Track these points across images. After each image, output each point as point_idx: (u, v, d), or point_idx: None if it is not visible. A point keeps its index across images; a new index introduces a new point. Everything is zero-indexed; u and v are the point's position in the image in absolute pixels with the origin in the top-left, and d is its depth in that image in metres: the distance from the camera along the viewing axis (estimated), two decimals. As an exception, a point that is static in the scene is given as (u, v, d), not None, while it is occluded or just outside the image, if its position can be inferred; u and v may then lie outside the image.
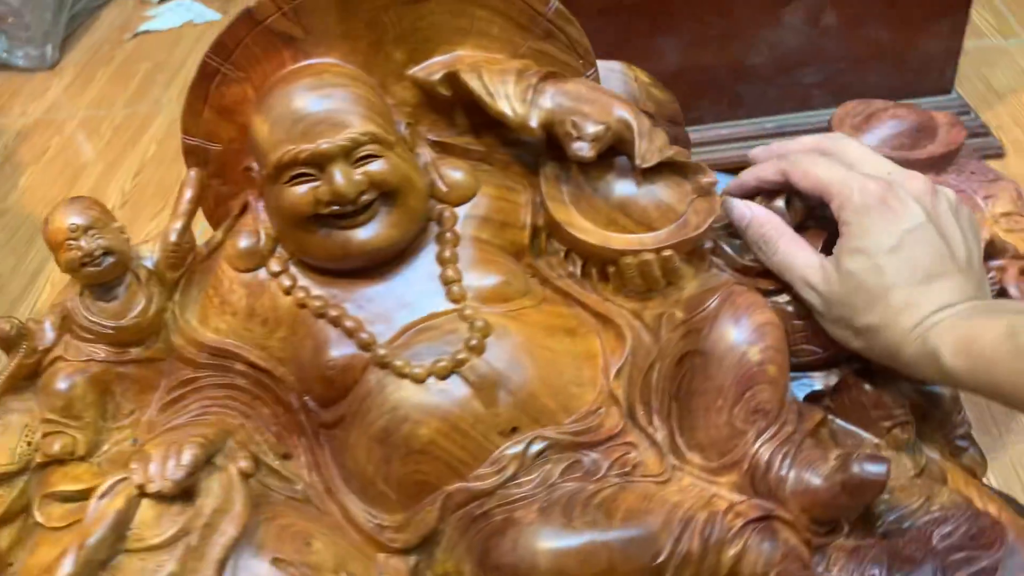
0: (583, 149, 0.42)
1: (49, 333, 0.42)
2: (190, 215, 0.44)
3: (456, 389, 0.42)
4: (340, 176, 0.40)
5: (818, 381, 0.48)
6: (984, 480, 0.49)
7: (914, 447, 0.47)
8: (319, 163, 0.40)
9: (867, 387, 0.46)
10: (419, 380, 0.42)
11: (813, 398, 0.48)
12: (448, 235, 0.44)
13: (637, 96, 0.56)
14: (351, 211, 0.41)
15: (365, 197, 0.41)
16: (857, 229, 0.42)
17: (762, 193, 0.48)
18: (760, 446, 0.42)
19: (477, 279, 0.44)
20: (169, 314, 0.44)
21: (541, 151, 0.46)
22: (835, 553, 0.42)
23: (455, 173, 0.45)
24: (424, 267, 0.44)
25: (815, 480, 0.41)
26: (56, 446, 0.41)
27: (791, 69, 0.70)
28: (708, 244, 0.46)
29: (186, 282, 0.44)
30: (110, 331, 0.42)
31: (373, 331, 0.43)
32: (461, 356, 0.42)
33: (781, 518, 0.41)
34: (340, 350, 0.43)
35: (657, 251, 0.44)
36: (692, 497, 0.41)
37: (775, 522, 0.41)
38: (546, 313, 0.45)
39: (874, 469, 0.40)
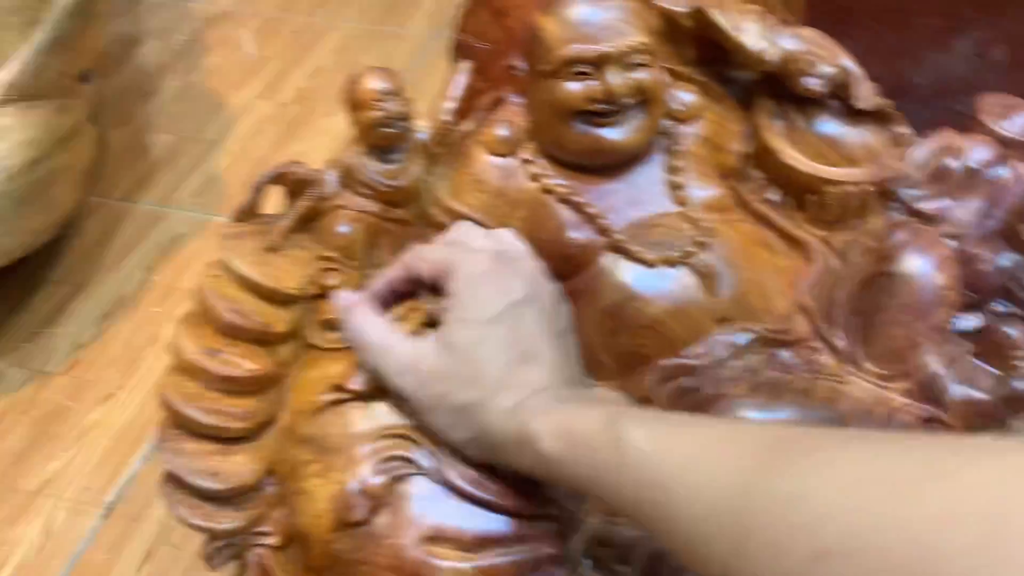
0: (817, 85, 0.49)
1: (333, 183, 0.48)
2: (461, 101, 0.49)
3: (684, 277, 0.48)
4: (615, 77, 0.46)
5: (965, 321, 0.54)
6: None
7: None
8: (599, 63, 0.46)
9: (1009, 331, 0.53)
10: (651, 265, 0.48)
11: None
12: (676, 148, 0.51)
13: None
14: (611, 111, 0.47)
15: (627, 100, 0.47)
16: (463, 299, 0.41)
17: (400, 296, 0.45)
18: (931, 359, 0.48)
19: (699, 189, 0.50)
20: (425, 185, 0.50)
21: (748, 89, 0.53)
22: None
23: (686, 95, 0.51)
24: (653, 173, 0.50)
25: (977, 393, 0.48)
26: (332, 280, 0.46)
27: (950, 95, 0.76)
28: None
29: (446, 160, 0.50)
30: (387, 189, 0.48)
31: (611, 220, 0.49)
32: (689, 249, 0.48)
33: (945, 423, 0.48)
34: (578, 232, 0.49)
35: (858, 184, 0.51)
36: (869, 396, 0.48)
37: (938, 425, 0.47)
38: (751, 228, 0.51)
39: (1033, 384, 0.47)
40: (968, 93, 0.70)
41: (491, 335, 0.40)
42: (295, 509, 0.42)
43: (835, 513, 0.26)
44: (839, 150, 0.51)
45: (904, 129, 0.52)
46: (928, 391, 0.48)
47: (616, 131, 0.48)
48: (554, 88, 0.47)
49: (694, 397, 0.47)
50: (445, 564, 0.39)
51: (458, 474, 0.40)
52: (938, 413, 0.47)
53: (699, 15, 0.50)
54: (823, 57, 0.49)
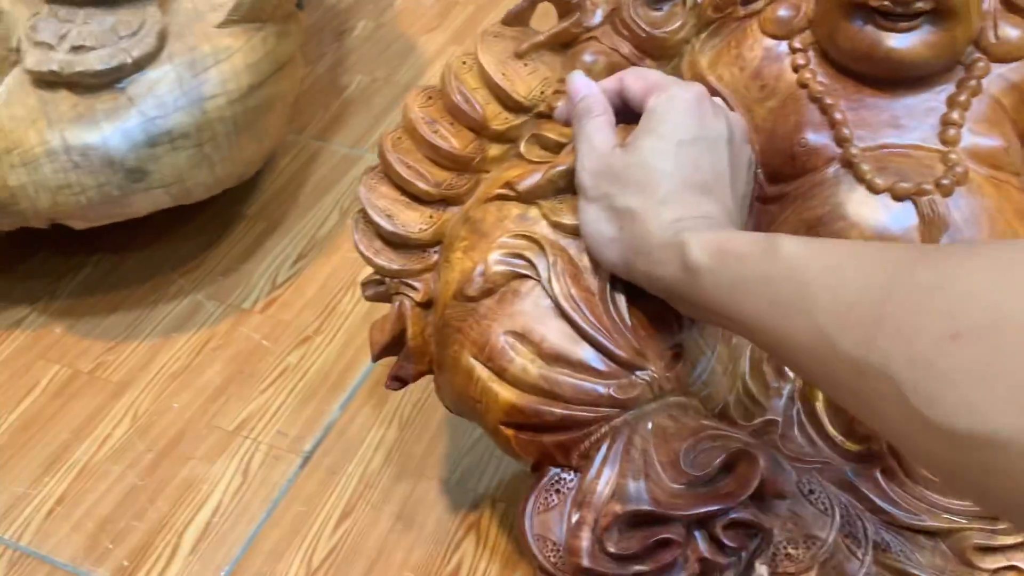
0: None
1: (598, 17, 0.49)
2: (753, -29, 0.47)
3: (904, 213, 0.42)
4: (910, -27, 0.41)
5: None
6: None
7: None
8: (897, -46, 0.42)
9: None
10: (875, 190, 0.43)
11: None
12: (972, 83, 0.44)
13: None
14: (899, 12, 0.42)
15: (919, 5, 0.42)
16: (661, 114, 0.42)
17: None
18: None
19: (978, 134, 0.44)
20: (689, 46, 0.49)
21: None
22: None
23: (1011, 30, 0.44)
24: (931, 102, 0.45)
25: None
26: (560, 102, 0.49)
27: None
28: None
29: (715, 29, 0.49)
30: (643, 34, 0.48)
31: (855, 133, 0.45)
32: (926, 187, 0.42)
33: None
34: (816, 135, 0.45)
35: None
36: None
37: None
38: (1021, 198, 0.43)
39: None
40: None
41: (676, 153, 0.41)
42: (440, 275, 0.46)
43: (975, 294, 0.26)
44: None
45: None
46: None
47: (899, 38, 0.43)
48: (844, -26, 0.44)
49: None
50: (517, 359, 0.41)
51: (563, 292, 0.41)
52: None
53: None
54: None
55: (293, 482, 0.58)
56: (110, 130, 0.59)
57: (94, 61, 0.59)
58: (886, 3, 0.42)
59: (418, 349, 0.47)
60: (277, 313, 0.69)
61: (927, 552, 0.40)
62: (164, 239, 0.74)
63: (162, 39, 0.62)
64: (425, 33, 0.97)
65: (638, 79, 0.45)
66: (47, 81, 0.60)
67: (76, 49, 0.60)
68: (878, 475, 0.41)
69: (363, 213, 0.48)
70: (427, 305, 0.47)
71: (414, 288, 0.47)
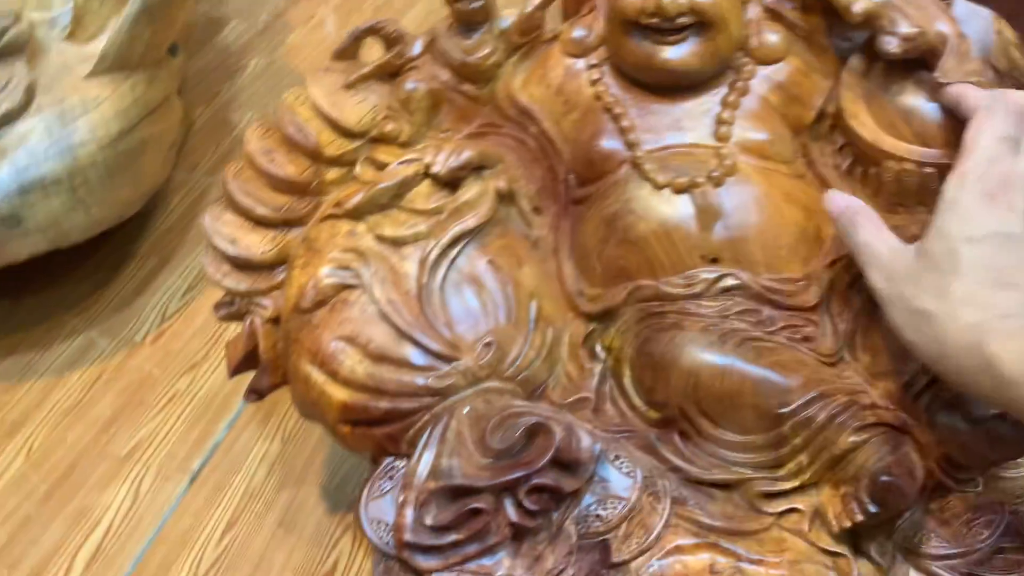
0: (891, 44, 0.45)
1: (417, 47, 0.54)
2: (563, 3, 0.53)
3: (683, 205, 0.48)
4: (669, -7, 0.47)
5: None
6: None
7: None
8: (656, -23, 0.47)
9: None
10: (657, 186, 0.48)
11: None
12: (740, 84, 0.50)
13: (991, 48, 0.55)
14: (666, 28, 0.48)
15: (682, 19, 0.47)
16: (950, 205, 0.40)
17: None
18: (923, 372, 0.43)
19: (747, 130, 0.49)
20: (502, 70, 0.54)
21: (857, 49, 0.49)
22: (955, 499, 0.43)
23: (771, 35, 0.50)
24: (707, 104, 0.50)
25: (961, 421, 0.42)
26: (388, 127, 0.53)
27: None
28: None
29: (524, 52, 0.54)
30: (457, 62, 0.53)
31: (642, 137, 0.50)
32: (699, 180, 0.48)
33: (915, 437, 0.43)
34: (609, 142, 0.50)
35: (920, 165, 0.46)
36: (843, 383, 0.44)
37: (906, 436, 0.43)
38: (795, 185, 0.49)
39: (1017, 432, 0.40)
40: None
41: (965, 254, 0.39)
42: (283, 292, 0.51)
43: None
44: (913, 125, 0.46)
45: (1006, 120, 0.45)
46: (911, 403, 0.43)
47: (671, 50, 0.49)
48: (617, -3, 0.49)
49: (656, 322, 0.47)
50: (346, 362, 0.45)
51: (383, 296, 0.46)
52: (910, 424, 0.43)
53: (803, -46, 0.48)
54: (910, 17, 0.45)
55: (181, 499, 0.62)
56: None
57: None
58: (654, 20, 0.48)
59: (271, 362, 0.51)
60: (167, 344, 0.73)
61: (719, 502, 0.45)
62: (58, 282, 0.78)
63: (30, 93, 0.66)
64: (316, 68, 1.00)
65: (970, 114, 0.42)
66: (-82, 135, 0.63)
67: (-55, 107, 0.63)
68: (676, 438, 0.46)
69: (208, 240, 0.52)
70: (277, 321, 0.51)
71: (263, 306, 0.52)
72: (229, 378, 0.53)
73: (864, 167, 0.48)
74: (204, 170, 0.89)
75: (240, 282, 0.52)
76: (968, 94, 0.44)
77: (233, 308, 0.53)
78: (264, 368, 0.52)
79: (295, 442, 0.64)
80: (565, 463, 0.43)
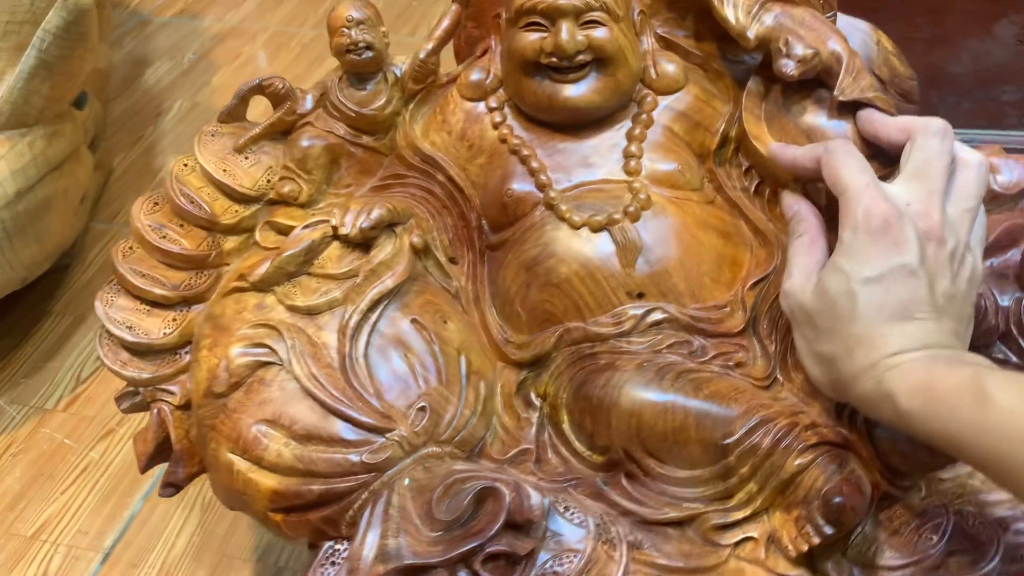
0: (788, 67, 0.46)
1: (308, 103, 0.52)
2: (441, 41, 0.51)
3: (603, 243, 0.47)
4: (565, 32, 0.46)
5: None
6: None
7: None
8: (552, 16, 0.46)
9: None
10: (574, 226, 0.47)
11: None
12: (643, 116, 0.49)
13: (874, 58, 0.57)
14: (566, 67, 0.47)
15: (581, 57, 0.47)
16: (847, 247, 0.41)
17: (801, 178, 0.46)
18: (861, 383, 0.44)
19: (655, 161, 0.49)
20: (400, 118, 0.52)
21: (753, 71, 0.50)
22: (901, 507, 0.44)
23: (668, 65, 0.50)
24: (613, 138, 0.50)
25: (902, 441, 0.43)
26: (286, 188, 0.51)
27: (991, 84, 0.67)
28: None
29: (421, 98, 0.52)
30: (352, 114, 0.51)
31: (552, 177, 0.49)
32: (616, 217, 0.47)
33: (857, 452, 0.43)
34: (520, 184, 0.49)
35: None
36: (781, 405, 0.44)
37: (849, 452, 0.43)
38: (708, 212, 0.49)
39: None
40: (1010, 81, 0.60)
41: (861, 294, 0.40)
42: (191, 375, 0.47)
43: None
44: (814, 141, 0.47)
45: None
46: (848, 419, 0.44)
47: (572, 88, 0.48)
48: (514, 37, 0.48)
49: (589, 364, 0.46)
50: (271, 446, 0.42)
51: (304, 371, 0.43)
52: (851, 439, 0.43)
53: (692, -18, 0.49)
54: (804, 38, 0.46)
55: None
56: None
57: None
58: (553, 60, 0.47)
59: (186, 451, 0.48)
60: (81, 409, 0.70)
61: (675, 541, 0.44)
62: None
63: None
64: (201, 134, 0.97)
65: (830, 173, 0.43)
66: None
67: None
68: (623, 480, 0.45)
69: (103, 328, 0.48)
70: (187, 407, 0.48)
71: (170, 392, 0.48)
72: (141, 472, 0.49)
73: (771, 187, 0.49)
74: (124, 219, 0.85)
75: (142, 371, 0.48)
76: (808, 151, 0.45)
77: (137, 399, 0.49)
78: (178, 459, 0.48)
79: (214, 511, 0.61)
80: (517, 524, 0.41)
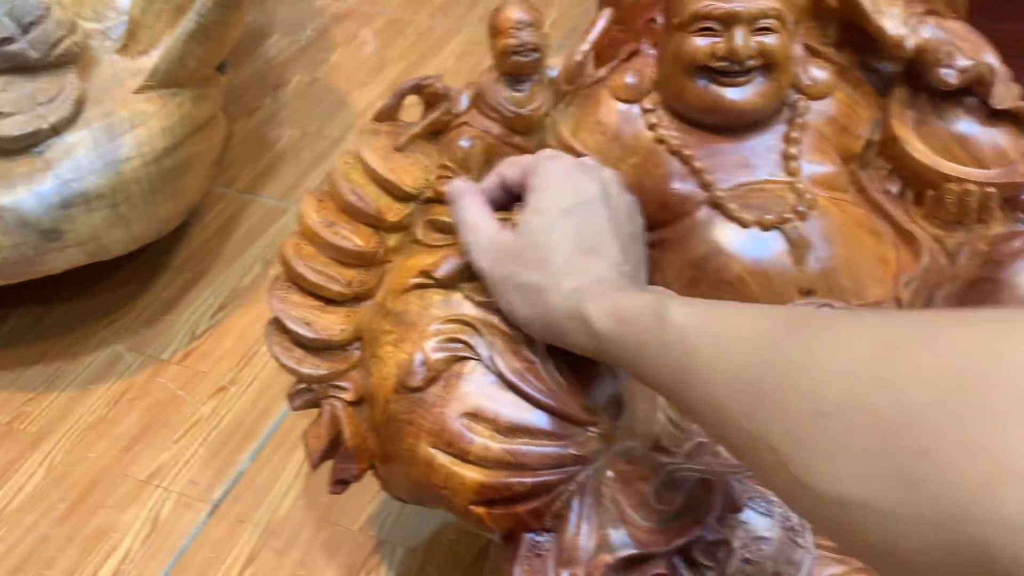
0: (950, 76, 0.48)
1: (463, 103, 0.52)
2: (595, 44, 0.53)
3: (774, 242, 0.49)
4: (740, 37, 0.48)
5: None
6: None
7: None
8: (727, 22, 0.48)
9: None
10: (745, 225, 0.49)
11: None
12: (798, 120, 0.51)
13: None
14: (735, 71, 0.49)
15: (751, 62, 0.49)
16: (540, 191, 0.45)
17: (498, 207, 0.48)
18: None
19: (812, 164, 0.51)
20: (550, 119, 0.53)
21: (890, 80, 0.53)
22: None
23: (819, 72, 0.52)
24: (769, 141, 0.52)
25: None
26: (444, 187, 0.51)
27: None
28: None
29: (571, 98, 0.54)
30: (510, 115, 0.52)
31: (716, 177, 0.51)
32: (787, 216, 0.49)
33: None
34: (682, 184, 0.51)
35: (981, 185, 0.49)
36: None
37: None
38: (860, 213, 0.51)
39: None
40: None
41: (560, 224, 0.44)
42: (370, 371, 0.47)
43: (833, 377, 0.29)
44: (968, 148, 0.50)
45: (1048, 138, 0.50)
46: None
47: (737, 91, 0.50)
48: (682, 41, 0.50)
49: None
50: (477, 440, 0.43)
51: (507, 366, 0.44)
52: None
53: (846, -6, 0.51)
54: (963, 50, 0.49)
55: (201, 529, 0.60)
56: (25, 193, 0.61)
57: (11, 127, 0.61)
58: (723, 64, 0.49)
59: (358, 448, 0.48)
60: (195, 364, 0.71)
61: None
62: (90, 291, 0.76)
63: (79, 105, 0.64)
64: (357, 88, 1.01)
65: (513, 167, 0.48)
66: (-33, 146, 0.61)
67: (-6, 116, 0.61)
68: (800, 470, 0.47)
69: (277, 324, 0.48)
70: (358, 403, 0.48)
71: (343, 388, 0.48)
72: (313, 469, 0.48)
73: (918, 190, 0.51)
74: (241, 186, 0.87)
75: (318, 367, 0.48)
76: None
77: (310, 395, 0.48)
78: (350, 455, 0.48)
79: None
80: (724, 514, 0.42)
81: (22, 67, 0.63)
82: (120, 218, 0.65)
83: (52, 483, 0.63)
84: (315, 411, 0.49)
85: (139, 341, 0.73)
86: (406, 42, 1.07)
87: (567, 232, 0.44)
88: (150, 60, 0.67)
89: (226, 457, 0.64)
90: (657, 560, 0.41)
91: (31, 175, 0.62)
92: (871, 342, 0.29)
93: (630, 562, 0.41)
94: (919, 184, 0.51)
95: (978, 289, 0.49)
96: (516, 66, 0.51)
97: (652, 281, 0.52)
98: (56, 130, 0.63)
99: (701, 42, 0.49)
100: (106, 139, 0.64)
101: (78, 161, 0.63)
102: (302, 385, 0.49)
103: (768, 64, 0.49)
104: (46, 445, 0.65)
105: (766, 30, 0.48)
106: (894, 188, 0.52)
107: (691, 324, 0.36)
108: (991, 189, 0.49)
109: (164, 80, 0.67)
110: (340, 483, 0.49)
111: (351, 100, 0.99)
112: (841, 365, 0.29)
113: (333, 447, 0.48)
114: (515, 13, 0.50)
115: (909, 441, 0.26)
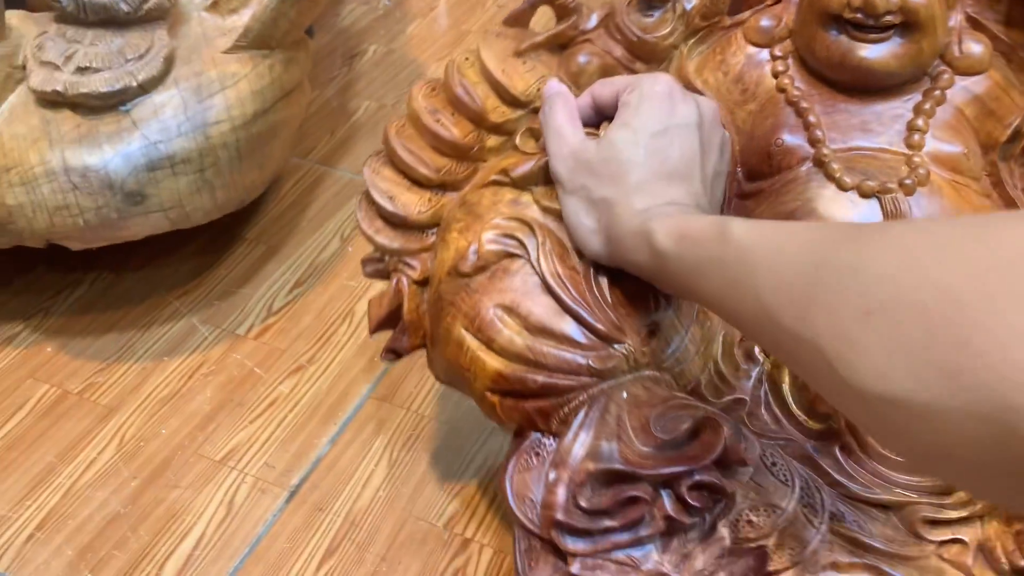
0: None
1: (593, 21, 0.53)
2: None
3: (870, 210, 0.46)
4: (880, -11, 0.45)
5: None
6: None
7: None
8: (868, -30, 0.45)
9: None
10: (843, 188, 0.46)
11: None
12: (936, 93, 0.47)
13: None
14: (870, 24, 0.46)
15: (888, 18, 0.45)
16: (633, 109, 0.44)
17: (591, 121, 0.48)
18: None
19: (940, 140, 0.47)
20: (678, 51, 0.52)
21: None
22: None
23: (975, 45, 0.47)
24: (899, 109, 0.48)
25: None
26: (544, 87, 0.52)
27: None
28: None
29: (702, 36, 0.52)
30: (634, 38, 0.51)
31: (828, 135, 0.48)
32: (890, 186, 0.45)
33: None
34: (791, 137, 0.49)
35: None
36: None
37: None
38: (984, 204, 0.47)
39: None
40: None
41: (646, 144, 0.43)
42: (436, 254, 0.50)
43: (884, 277, 0.29)
44: None
45: None
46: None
47: (870, 48, 0.47)
48: (821, -12, 0.47)
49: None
50: (505, 331, 0.44)
51: (550, 270, 0.44)
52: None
53: (1025, -36, 0.46)
54: None
55: (278, 517, 0.57)
56: (111, 153, 0.59)
57: (99, 83, 0.59)
58: (858, 16, 0.46)
59: (413, 323, 0.50)
60: (272, 340, 0.68)
61: (879, 523, 0.43)
62: (163, 259, 0.74)
63: (169, 63, 0.61)
64: (436, 60, 0.97)
65: (606, 86, 0.48)
66: (51, 101, 0.60)
67: (82, 70, 0.59)
68: (837, 451, 0.44)
69: (366, 194, 0.51)
70: (423, 283, 0.50)
71: (411, 266, 0.50)
72: (371, 334, 0.52)
73: (1063, 192, 0.46)
74: (317, 157, 0.84)
75: (393, 240, 0.51)
76: None
77: (381, 265, 0.52)
78: (404, 328, 0.51)
79: (403, 467, 0.60)
80: (727, 463, 0.41)
81: (111, 21, 0.61)
82: (206, 184, 0.62)
83: (123, 459, 0.60)
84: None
85: (214, 314, 0.70)
86: (486, 15, 1.03)
87: (650, 153, 0.43)
88: (241, 19, 0.65)
89: (304, 441, 0.61)
90: (640, 483, 0.40)
91: (118, 134, 0.59)
92: (924, 242, 0.29)
93: (613, 477, 0.40)
94: (1064, 185, 0.46)
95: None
96: (654, -11, 0.51)
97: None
98: (145, 88, 0.60)
99: (839, -10, 0.46)
100: (195, 100, 0.61)
101: (166, 122, 0.60)
102: (376, 254, 0.52)
103: (909, 23, 0.46)
104: (118, 418, 0.63)
105: (912, -15, 0.45)
106: (1039, 187, 0.47)
107: (751, 239, 0.36)
108: None
109: (256, 41, 0.64)
110: (391, 352, 0.51)
111: (430, 72, 0.94)
112: (892, 265, 0.29)
113: (392, 318, 0.51)
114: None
115: (955, 333, 0.26)
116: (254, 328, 0.69)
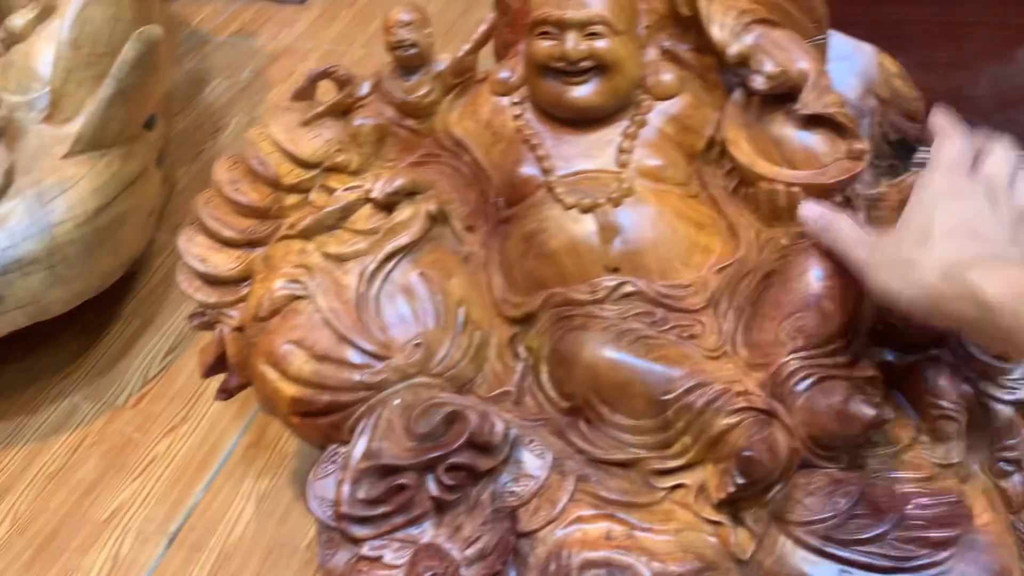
0: (758, 82, 0.52)
1: (365, 88, 0.62)
2: (478, 43, 0.61)
3: (587, 223, 0.55)
4: (571, 41, 0.54)
5: (893, 356, 0.53)
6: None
7: (954, 446, 0.51)
8: (561, 27, 0.55)
9: (929, 372, 0.51)
10: (566, 207, 0.56)
11: (885, 368, 0.54)
12: (638, 118, 0.57)
13: (875, 80, 0.62)
14: (572, 71, 0.55)
15: (584, 64, 0.55)
16: (924, 186, 0.46)
17: None
18: (790, 360, 0.50)
19: (644, 157, 0.56)
20: (439, 107, 0.62)
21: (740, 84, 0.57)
22: (821, 474, 0.50)
23: (666, 75, 0.57)
24: (611, 135, 0.57)
25: (820, 402, 0.49)
26: (340, 158, 0.61)
27: (1010, 106, 0.71)
28: (838, 199, 0.54)
29: (459, 92, 0.62)
30: (399, 100, 0.61)
31: (555, 165, 0.57)
32: (600, 201, 0.55)
33: (781, 420, 0.49)
34: (528, 169, 0.58)
35: (787, 185, 0.53)
36: (721, 373, 0.51)
37: (774, 420, 0.49)
38: (688, 204, 0.56)
39: (864, 409, 0.47)
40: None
41: (945, 202, 0.45)
42: (247, 303, 0.58)
43: None
44: (781, 150, 0.54)
45: (861, 145, 0.52)
46: (778, 390, 0.50)
47: (577, 89, 0.56)
48: (532, 44, 0.57)
49: (566, 324, 0.55)
50: (295, 362, 0.52)
51: (327, 305, 0.53)
52: (777, 410, 0.49)
53: (692, 3, 0.56)
54: (776, 57, 0.52)
55: (160, 561, 0.64)
56: None
57: None
58: (561, 64, 0.55)
59: (238, 365, 0.59)
60: (148, 406, 0.76)
61: (618, 479, 0.51)
62: (45, 345, 0.79)
63: (9, 176, 0.68)
64: (275, 108, 0.99)
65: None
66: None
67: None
68: (581, 424, 0.53)
69: (183, 260, 0.60)
70: (241, 329, 0.59)
71: (230, 316, 0.59)
72: (203, 378, 0.60)
73: (745, 187, 0.56)
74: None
75: (210, 296, 0.59)
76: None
77: (205, 319, 0.60)
78: (231, 371, 0.59)
79: (269, 501, 0.68)
80: (480, 445, 0.50)
81: (-49, 143, 0.65)
82: (58, 279, 0.68)
83: (17, 533, 0.66)
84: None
85: (95, 390, 0.76)
86: None
87: (950, 219, 0.45)
88: (75, 126, 0.71)
89: (181, 491, 0.68)
90: (404, 473, 0.49)
91: None
92: None
93: (383, 471, 0.49)
94: (743, 182, 0.55)
95: (767, 281, 0.52)
96: (398, 58, 0.60)
97: (501, 252, 0.59)
98: None
99: (544, 44, 0.56)
100: (38, 205, 0.67)
101: (12, 229, 0.66)
102: (199, 309, 0.60)
103: (601, 65, 0.55)
104: (10, 498, 0.69)
105: (596, 35, 0.54)
106: (732, 185, 0.57)
107: None
108: (796, 189, 0.53)
109: (89, 144, 0.70)
110: (223, 391, 0.60)
111: None
112: None
113: (220, 363, 0.60)
114: (397, 14, 0.59)
115: None
116: (132, 397, 0.77)
